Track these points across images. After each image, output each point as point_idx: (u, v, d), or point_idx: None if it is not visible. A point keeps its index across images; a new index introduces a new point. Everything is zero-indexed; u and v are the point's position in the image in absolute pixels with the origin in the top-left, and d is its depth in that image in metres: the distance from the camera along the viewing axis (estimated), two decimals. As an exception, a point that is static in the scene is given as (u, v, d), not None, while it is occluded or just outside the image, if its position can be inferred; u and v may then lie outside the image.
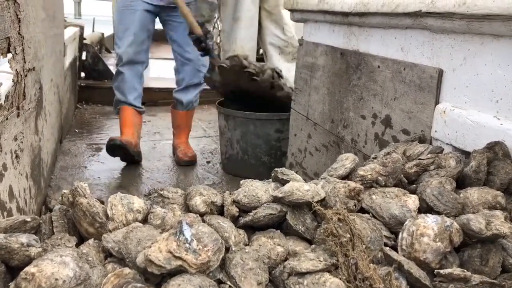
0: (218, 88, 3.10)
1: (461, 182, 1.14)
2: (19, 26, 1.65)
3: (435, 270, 0.81)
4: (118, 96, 3.13)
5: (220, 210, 1.00)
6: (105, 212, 0.89)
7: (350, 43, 1.92)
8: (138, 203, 0.93)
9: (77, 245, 0.86)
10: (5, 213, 1.42)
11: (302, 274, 0.77)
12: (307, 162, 2.33)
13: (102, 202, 0.96)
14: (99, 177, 2.86)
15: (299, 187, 0.95)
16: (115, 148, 2.91)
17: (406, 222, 0.88)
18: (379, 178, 1.09)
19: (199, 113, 4.50)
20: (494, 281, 0.80)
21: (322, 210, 0.88)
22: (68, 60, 3.75)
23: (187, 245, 0.75)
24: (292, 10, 2.41)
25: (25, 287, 0.68)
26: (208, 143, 3.71)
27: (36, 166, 2.05)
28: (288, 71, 3.58)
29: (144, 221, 0.93)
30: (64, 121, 3.40)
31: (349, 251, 0.80)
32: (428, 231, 0.84)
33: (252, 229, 0.95)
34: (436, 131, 1.40)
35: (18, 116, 1.64)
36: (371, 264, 0.78)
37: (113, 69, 4.29)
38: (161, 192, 1.04)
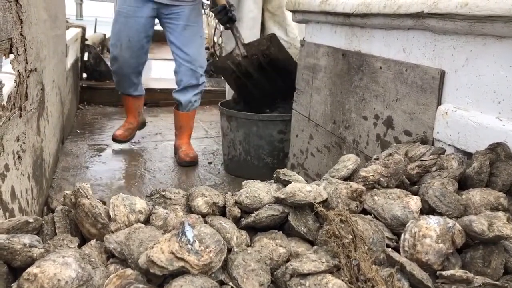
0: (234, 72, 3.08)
1: (463, 183, 1.14)
2: (21, 27, 1.66)
3: (437, 272, 0.81)
4: (118, 88, 3.46)
5: (222, 211, 1.00)
6: (107, 213, 0.89)
7: (352, 44, 1.92)
8: (140, 204, 0.93)
9: (79, 246, 0.86)
10: (7, 214, 1.43)
11: (304, 275, 0.77)
12: (308, 163, 2.33)
13: (104, 203, 0.96)
14: (100, 178, 2.86)
15: (301, 188, 0.95)
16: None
17: (408, 224, 0.88)
18: (381, 179, 1.09)
19: (200, 114, 4.50)
20: (496, 282, 0.80)
21: (324, 211, 0.88)
22: (70, 61, 3.76)
23: (189, 246, 0.75)
24: (294, 11, 2.41)
25: (27, 287, 0.68)
26: (209, 144, 3.71)
27: (38, 167, 2.05)
28: None
29: (146, 222, 0.93)
30: (66, 122, 3.41)
31: (351, 252, 0.80)
32: (430, 233, 0.84)
33: (254, 230, 0.95)
34: (438, 132, 1.40)
35: (20, 117, 1.65)
36: (373, 266, 0.78)
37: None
38: (163, 193, 1.04)
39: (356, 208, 0.98)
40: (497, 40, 1.22)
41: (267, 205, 0.96)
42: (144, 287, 0.72)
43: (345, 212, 0.87)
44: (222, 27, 3.59)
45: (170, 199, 1.03)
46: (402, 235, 0.87)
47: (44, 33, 2.30)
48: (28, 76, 1.79)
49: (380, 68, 1.69)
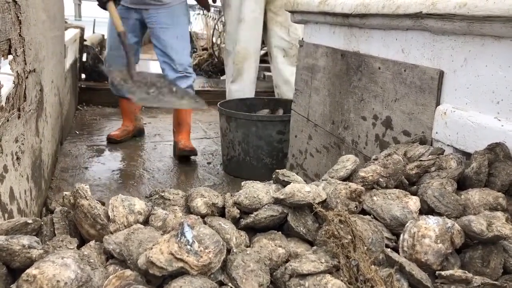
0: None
1: (462, 183, 1.14)
2: (20, 28, 1.66)
3: (437, 272, 0.81)
4: (112, 89, 3.50)
5: (221, 212, 1.00)
6: (106, 214, 0.89)
7: (351, 44, 1.92)
8: (139, 204, 0.93)
9: (79, 247, 0.86)
10: (6, 215, 1.42)
11: (303, 276, 0.77)
12: (307, 164, 2.33)
13: (103, 203, 0.96)
14: (99, 178, 2.86)
15: (300, 189, 0.95)
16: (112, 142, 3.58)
17: (407, 224, 0.88)
18: (380, 179, 1.09)
19: (199, 115, 4.50)
20: (495, 282, 0.80)
21: (323, 212, 0.88)
22: (68, 62, 3.75)
23: (189, 246, 0.75)
24: (292, 12, 2.41)
25: (26, 289, 0.68)
26: (208, 144, 3.71)
27: (37, 168, 2.05)
28: (292, 74, 3.57)
29: (145, 222, 0.93)
30: (65, 123, 3.41)
31: (350, 252, 0.80)
32: (429, 233, 0.84)
33: (253, 230, 0.95)
34: (437, 133, 1.40)
35: (19, 117, 1.65)
36: (373, 266, 0.78)
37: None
38: (162, 194, 1.04)
39: (355, 208, 0.98)
40: (496, 40, 1.22)
41: (266, 206, 0.96)
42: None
43: (344, 213, 0.87)
44: (221, 27, 3.58)
45: (169, 199, 1.03)
46: (401, 235, 0.87)
47: (42, 34, 2.30)
48: (27, 77, 1.79)
49: (379, 68, 1.70)
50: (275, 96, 3.85)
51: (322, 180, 1.11)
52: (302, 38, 2.41)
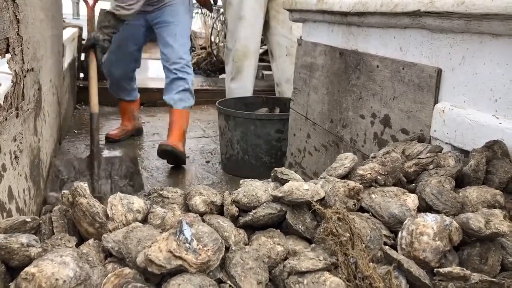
0: None
1: (460, 181, 1.14)
2: (18, 27, 1.65)
3: (435, 269, 0.81)
4: (111, 91, 3.57)
5: (220, 210, 1.00)
6: (105, 212, 0.89)
7: (349, 42, 1.92)
8: (138, 203, 0.93)
9: (77, 245, 0.86)
10: (5, 214, 1.42)
11: (302, 273, 0.77)
12: (306, 162, 2.33)
13: (101, 198, 0.96)
14: (98, 178, 2.85)
15: (298, 187, 0.95)
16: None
17: (405, 221, 0.89)
18: (378, 177, 1.09)
19: (198, 113, 4.50)
20: (493, 279, 0.81)
21: (321, 210, 0.88)
22: (67, 61, 3.75)
23: (187, 244, 0.75)
24: (291, 10, 2.41)
25: (25, 287, 0.68)
26: (207, 143, 3.71)
27: (35, 167, 2.04)
28: None
29: (144, 221, 0.93)
30: (63, 122, 3.40)
31: (348, 250, 0.80)
32: (427, 230, 0.84)
33: (252, 228, 0.95)
34: (435, 130, 1.40)
35: (17, 116, 1.64)
36: (371, 263, 0.78)
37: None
38: (161, 192, 1.04)
39: (354, 206, 0.98)
40: (494, 38, 1.23)
41: (264, 204, 0.96)
42: (142, 286, 0.72)
43: (342, 210, 0.87)
44: (219, 26, 3.57)
45: (168, 198, 1.03)
46: (400, 233, 0.87)
47: (41, 32, 2.30)
48: (25, 76, 1.79)
49: (377, 66, 1.70)
50: (276, 95, 3.85)
51: (321, 178, 1.11)
52: (301, 37, 2.41)
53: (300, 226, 0.92)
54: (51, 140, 2.70)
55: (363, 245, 0.82)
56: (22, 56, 1.73)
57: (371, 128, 1.74)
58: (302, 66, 2.35)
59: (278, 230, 0.93)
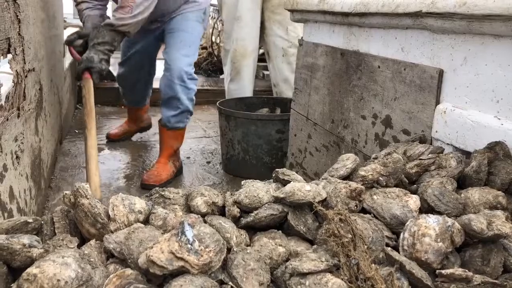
0: None
1: (462, 182, 1.14)
2: (19, 27, 1.66)
3: (437, 270, 0.81)
4: (125, 101, 3.47)
5: (221, 211, 1.00)
6: (107, 213, 0.89)
7: (350, 43, 1.92)
8: (139, 203, 0.93)
9: (79, 246, 0.86)
10: (6, 214, 1.42)
11: (304, 275, 0.77)
12: (307, 163, 2.33)
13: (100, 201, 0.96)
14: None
15: (300, 188, 0.95)
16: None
17: (407, 223, 0.88)
18: (380, 178, 1.09)
19: (199, 114, 4.49)
20: (495, 281, 0.81)
21: (323, 211, 0.88)
22: (68, 61, 3.75)
23: (189, 245, 0.75)
24: (292, 11, 2.41)
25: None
26: (208, 144, 3.71)
27: (36, 167, 2.04)
28: (291, 73, 3.56)
29: (146, 222, 0.93)
30: (64, 122, 3.40)
31: (350, 251, 0.80)
32: (429, 231, 0.84)
33: (253, 229, 0.95)
34: (436, 131, 1.40)
35: (18, 116, 1.64)
36: (373, 265, 0.78)
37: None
38: (163, 193, 1.04)
39: (355, 207, 0.98)
40: (496, 39, 1.23)
41: (266, 205, 0.96)
42: (144, 287, 0.72)
43: (344, 211, 0.87)
44: (220, 26, 3.54)
45: (169, 199, 1.03)
46: (401, 234, 0.87)
47: (42, 32, 2.30)
48: (26, 76, 1.79)
49: (379, 67, 1.70)
50: (274, 95, 3.85)
51: (322, 179, 1.11)
52: (302, 37, 2.41)
53: (301, 227, 0.92)
54: (52, 140, 2.70)
55: (365, 246, 0.82)
56: (23, 56, 1.73)
57: (372, 128, 1.74)
58: (303, 67, 2.35)
59: (280, 231, 0.92)
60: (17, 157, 1.60)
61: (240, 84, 3.74)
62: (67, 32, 3.78)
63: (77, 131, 3.82)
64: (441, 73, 1.40)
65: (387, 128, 1.65)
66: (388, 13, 1.57)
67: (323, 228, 0.88)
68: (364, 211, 0.99)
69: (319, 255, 0.81)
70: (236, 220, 0.97)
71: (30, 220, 0.88)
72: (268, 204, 0.96)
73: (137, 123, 3.60)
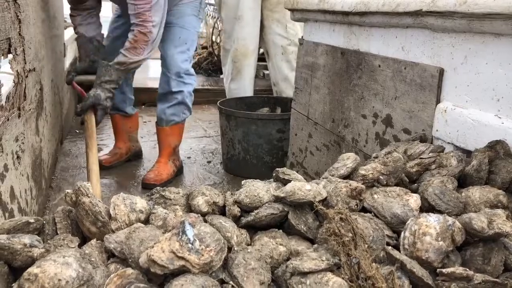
0: None
1: (463, 181, 1.14)
2: (20, 27, 1.66)
3: (438, 269, 0.81)
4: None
5: (222, 210, 1.00)
6: (108, 212, 0.89)
7: (351, 42, 1.92)
8: (140, 203, 0.93)
9: (80, 246, 0.86)
10: (7, 214, 1.43)
11: (304, 274, 0.77)
12: (308, 162, 2.33)
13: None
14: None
15: (300, 187, 0.95)
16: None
17: (408, 221, 0.88)
18: (381, 177, 1.09)
19: (199, 113, 4.49)
20: (496, 280, 0.81)
21: (324, 210, 0.88)
22: (68, 61, 3.75)
23: (190, 245, 0.75)
24: (292, 10, 2.41)
25: (28, 287, 0.68)
26: (208, 143, 3.71)
27: (37, 167, 2.05)
28: (291, 71, 3.55)
29: (146, 221, 0.93)
30: (65, 122, 3.41)
31: (351, 250, 0.80)
32: (430, 230, 0.84)
33: (254, 229, 0.95)
34: (437, 130, 1.40)
35: (19, 116, 1.65)
36: (374, 264, 0.78)
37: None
38: (163, 193, 1.04)
39: (356, 206, 0.98)
40: (496, 38, 1.22)
41: (266, 204, 0.96)
42: (145, 286, 0.72)
43: (345, 211, 0.87)
44: (220, 25, 3.51)
45: (170, 199, 1.03)
46: (402, 233, 0.87)
47: (42, 32, 2.30)
48: (27, 76, 1.79)
49: (379, 66, 1.70)
50: (273, 94, 3.84)
51: (323, 178, 1.11)
52: (302, 36, 2.41)
53: (302, 227, 0.92)
54: (52, 140, 2.70)
55: (366, 245, 0.82)
56: (24, 56, 1.73)
57: (373, 128, 1.74)
58: (303, 66, 2.35)
59: (281, 231, 0.93)
60: (18, 157, 1.60)
61: (241, 83, 3.74)
62: (68, 32, 3.79)
63: (77, 131, 3.82)
64: (441, 72, 1.40)
65: (387, 127, 1.65)
66: (389, 12, 1.57)
67: (324, 227, 0.88)
68: (364, 210, 0.99)
69: (320, 254, 0.81)
70: (236, 220, 0.97)
71: (32, 220, 0.88)
72: (269, 204, 0.96)
73: (127, 141, 3.10)
